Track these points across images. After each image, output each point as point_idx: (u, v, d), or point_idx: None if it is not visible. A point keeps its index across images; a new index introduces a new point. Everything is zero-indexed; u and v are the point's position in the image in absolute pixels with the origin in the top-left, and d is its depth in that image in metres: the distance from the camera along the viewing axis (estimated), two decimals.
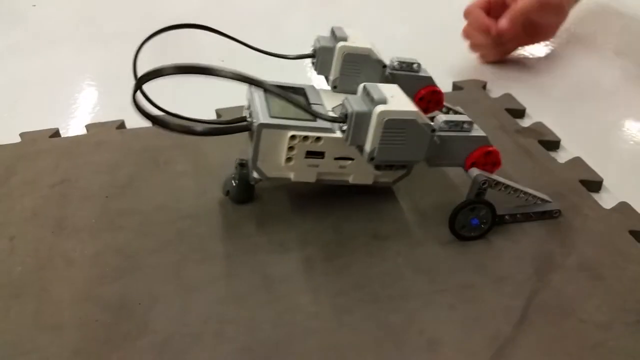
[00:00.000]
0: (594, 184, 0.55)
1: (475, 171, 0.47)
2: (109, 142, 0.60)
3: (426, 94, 0.56)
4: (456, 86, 0.73)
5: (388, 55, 0.55)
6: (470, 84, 0.73)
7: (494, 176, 0.48)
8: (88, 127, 0.63)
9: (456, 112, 0.63)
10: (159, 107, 0.47)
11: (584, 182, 0.55)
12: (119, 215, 0.50)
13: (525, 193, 0.50)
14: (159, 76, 0.37)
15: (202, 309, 0.42)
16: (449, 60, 0.80)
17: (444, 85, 0.73)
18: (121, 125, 0.63)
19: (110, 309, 0.42)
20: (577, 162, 0.58)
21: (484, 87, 0.73)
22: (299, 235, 0.48)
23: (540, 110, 0.69)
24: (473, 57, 0.81)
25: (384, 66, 0.54)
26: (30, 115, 0.69)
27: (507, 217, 0.50)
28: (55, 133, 0.62)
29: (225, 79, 0.39)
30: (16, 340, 0.40)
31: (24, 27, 0.95)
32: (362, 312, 0.42)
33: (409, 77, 0.55)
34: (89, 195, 0.53)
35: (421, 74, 0.56)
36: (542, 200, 0.51)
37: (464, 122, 0.47)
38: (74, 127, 0.66)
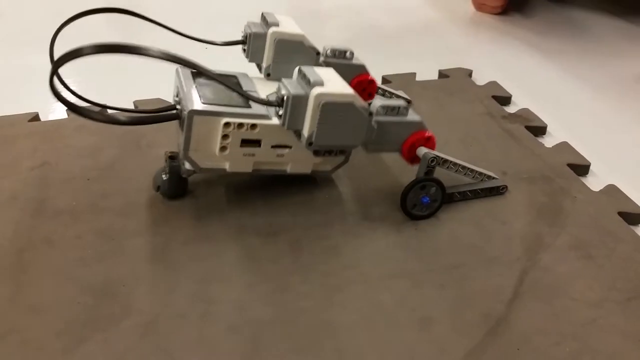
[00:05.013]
0: (582, 168, 0.56)
1: (423, 149, 0.47)
2: (90, 125, 0.59)
3: (359, 82, 0.55)
4: (442, 74, 0.73)
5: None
6: (456, 72, 0.73)
7: (442, 154, 0.48)
8: (69, 111, 0.62)
9: (399, 97, 0.62)
10: (78, 95, 0.44)
11: (571, 166, 0.55)
12: (101, 198, 0.49)
13: (472, 170, 0.50)
14: (78, 57, 0.34)
15: (188, 289, 0.41)
16: (434, 48, 0.80)
17: (430, 73, 0.73)
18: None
19: (93, 290, 0.41)
20: (564, 146, 0.58)
21: (470, 75, 0.73)
22: (285, 218, 0.48)
23: (526, 97, 0.69)
24: (459, 45, 0.81)
25: (318, 53, 0.53)
26: (8, 100, 0.67)
27: (456, 194, 0.50)
28: (35, 117, 0.61)
29: (153, 58, 0.36)
30: None
31: (3, 16, 0.93)
32: (353, 292, 0.41)
33: (342, 65, 0.54)
34: (69, 178, 0.51)
35: (354, 62, 0.55)
36: (489, 177, 0.51)
37: (399, 106, 0.46)
38: (54, 112, 0.64)
